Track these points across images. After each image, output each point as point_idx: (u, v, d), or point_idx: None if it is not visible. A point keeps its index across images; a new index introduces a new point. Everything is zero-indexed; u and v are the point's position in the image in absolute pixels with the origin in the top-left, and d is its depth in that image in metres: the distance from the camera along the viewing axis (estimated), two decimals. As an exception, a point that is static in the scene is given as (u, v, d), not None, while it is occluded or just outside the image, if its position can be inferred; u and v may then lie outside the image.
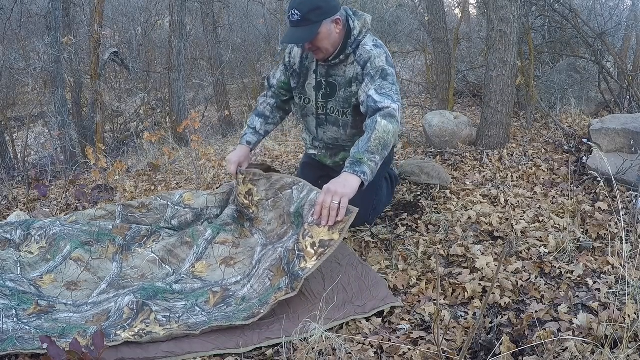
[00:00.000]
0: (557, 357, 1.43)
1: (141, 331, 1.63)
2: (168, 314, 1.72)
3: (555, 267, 1.92)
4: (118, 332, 1.61)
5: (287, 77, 2.39)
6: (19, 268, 2.04)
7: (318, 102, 2.32)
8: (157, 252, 2.13)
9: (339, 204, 1.75)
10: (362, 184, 1.85)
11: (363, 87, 2.15)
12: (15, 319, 1.70)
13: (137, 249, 2.21)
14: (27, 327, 1.66)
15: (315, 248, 1.70)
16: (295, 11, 2.04)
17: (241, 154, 2.34)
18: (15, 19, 7.19)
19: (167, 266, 2.06)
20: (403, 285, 1.86)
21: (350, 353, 1.52)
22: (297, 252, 1.74)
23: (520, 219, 2.32)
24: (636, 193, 2.40)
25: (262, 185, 2.24)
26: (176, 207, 2.45)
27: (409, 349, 1.51)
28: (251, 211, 2.27)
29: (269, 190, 2.22)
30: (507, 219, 2.32)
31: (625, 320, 1.51)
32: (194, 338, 1.62)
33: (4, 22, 6.96)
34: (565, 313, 1.64)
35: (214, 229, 2.22)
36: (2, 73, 7.04)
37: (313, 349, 1.53)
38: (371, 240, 2.23)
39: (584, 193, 2.60)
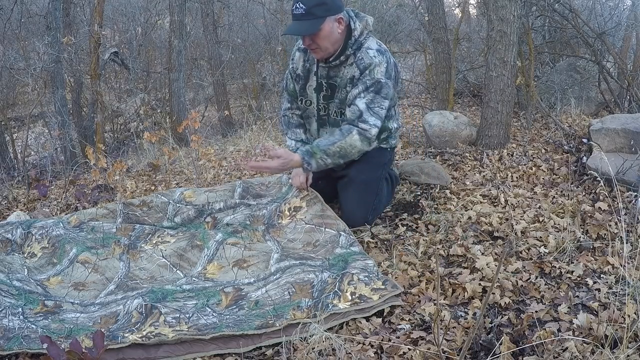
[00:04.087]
0: (557, 357, 1.43)
1: (149, 334, 1.61)
2: (178, 315, 1.70)
3: (555, 267, 1.92)
4: (126, 335, 1.60)
5: (293, 83, 2.41)
6: (25, 270, 2.04)
7: (319, 103, 2.33)
8: (169, 257, 2.12)
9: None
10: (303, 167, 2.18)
11: (354, 91, 2.16)
12: (21, 317, 1.69)
13: (142, 245, 2.21)
14: (33, 325, 1.66)
15: (353, 297, 1.76)
16: (300, 4, 2.05)
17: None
18: (15, 19, 7.19)
19: (178, 271, 2.04)
20: (403, 285, 1.86)
21: (350, 353, 1.52)
22: (336, 289, 1.78)
23: (520, 219, 2.32)
24: (636, 193, 2.40)
25: (314, 210, 2.28)
26: (177, 205, 2.45)
27: (409, 349, 1.51)
28: (280, 221, 2.29)
29: (315, 218, 2.25)
30: (507, 219, 2.32)
31: (625, 320, 1.50)
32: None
33: (4, 22, 6.96)
34: (565, 313, 1.64)
35: (224, 233, 2.21)
36: (2, 73, 7.03)
37: (313, 349, 1.53)
38: (371, 240, 2.23)
39: (584, 193, 2.60)
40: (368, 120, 2.14)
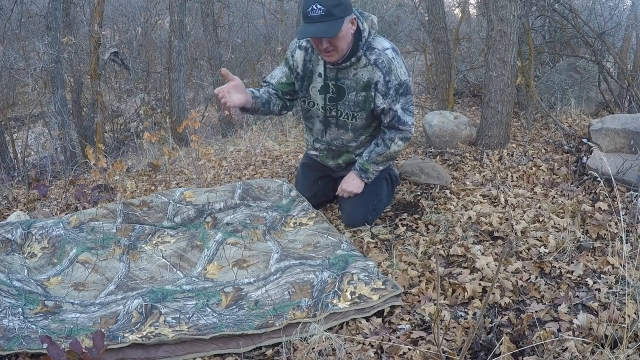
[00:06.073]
0: (557, 357, 1.43)
1: (149, 334, 1.61)
2: (178, 315, 1.70)
3: (555, 267, 1.92)
4: (125, 335, 1.60)
5: (289, 79, 2.34)
6: (25, 270, 2.04)
7: (326, 105, 2.29)
8: (168, 257, 2.12)
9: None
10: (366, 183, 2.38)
11: (388, 100, 2.20)
12: (21, 317, 1.69)
13: (142, 246, 2.21)
14: (33, 326, 1.65)
15: (353, 297, 1.77)
16: (318, 6, 1.97)
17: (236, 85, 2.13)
18: (15, 19, 7.19)
19: (178, 271, 2.04)
20: (403, 285, 1.86)
21: (350, 353, 1.52)
22: (335, 289, 1.79)
23: (520, 219, 2.32)
24: (636, 193, 2.40)
25: (320, 226, 2.32)
26: (178, 205, 2.45)
27: (409, 349, 1.51)
28: (283, 227, 2.32)
29: (319, 229, 2.28)
30: (507, 219, 2.32)
31: (625, 320, 1.50)
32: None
33: (4, 22, 6.96)
34: (565, 313, 1.64)
35: (224, 233, 2.21)
36: (2, 73, 7.04)
37: (313, 349, 1.53)
38: (371, 240, 2.23)
39: (584, 193, 2.60)
40: (406, 121, 2.27)
